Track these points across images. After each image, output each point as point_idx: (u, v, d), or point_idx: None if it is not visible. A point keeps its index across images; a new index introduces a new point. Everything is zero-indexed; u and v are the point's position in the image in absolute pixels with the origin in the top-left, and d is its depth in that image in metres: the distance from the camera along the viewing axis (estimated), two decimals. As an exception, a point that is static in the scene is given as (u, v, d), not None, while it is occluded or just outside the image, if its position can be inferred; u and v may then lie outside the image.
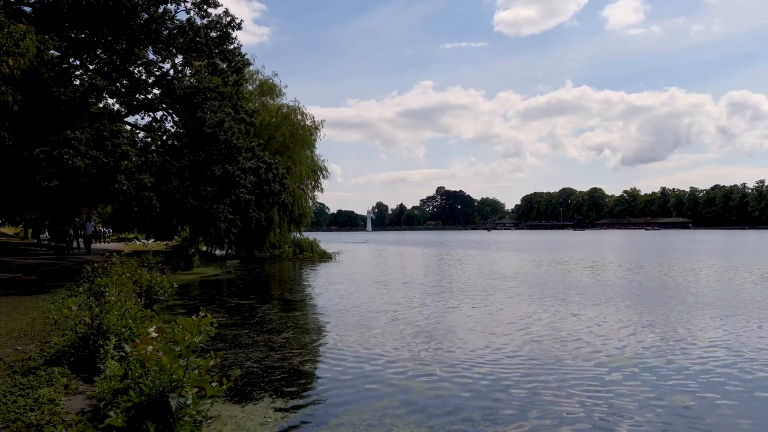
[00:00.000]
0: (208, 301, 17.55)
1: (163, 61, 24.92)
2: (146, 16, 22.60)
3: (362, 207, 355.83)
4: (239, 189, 25.75)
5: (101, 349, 6.58)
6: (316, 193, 43.89)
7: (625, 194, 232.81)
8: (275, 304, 17.36)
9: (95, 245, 36.26)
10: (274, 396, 7.71)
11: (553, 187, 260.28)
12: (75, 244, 30.90)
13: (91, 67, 23.59)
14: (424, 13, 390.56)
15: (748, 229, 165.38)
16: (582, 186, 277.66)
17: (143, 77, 24.71)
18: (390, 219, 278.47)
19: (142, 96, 24.95)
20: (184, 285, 21.91)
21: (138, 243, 41.76)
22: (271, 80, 40.78)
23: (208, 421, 6.26)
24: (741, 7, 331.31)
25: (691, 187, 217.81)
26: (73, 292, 13.23)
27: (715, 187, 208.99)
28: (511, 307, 16.04)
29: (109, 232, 50.58)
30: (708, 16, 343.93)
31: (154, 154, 25.06)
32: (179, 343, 4.71)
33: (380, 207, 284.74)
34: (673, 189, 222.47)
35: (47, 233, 32.77)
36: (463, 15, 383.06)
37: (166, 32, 23.74)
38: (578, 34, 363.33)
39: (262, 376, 8.73)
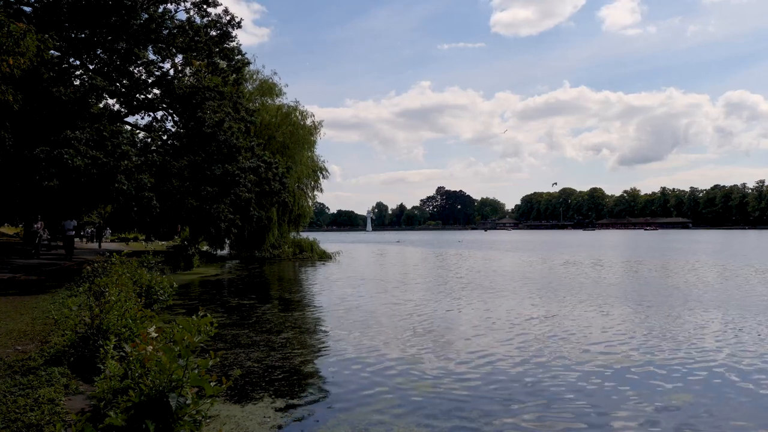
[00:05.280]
0: (208, 301, 17.55)
1: (163, 61, 24.96)
2: (146, 15, 22.62)
3: (362, 207, 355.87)
4: (239, 188, 25.76)
5: (101, 349, 6.59)
6: (315, 193, 43.96)
7: (625, 194, 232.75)
8: (275, 304, 17.36)
9: (80, 246, 35.87)
10: (274, 396, 7.71)
11: (551, 187, 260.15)
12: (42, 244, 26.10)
13: (91, 67, 23.61)
14: (421, 14, 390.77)
15: (748, 229, 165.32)
16: (580, 186, 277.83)
17: (143, 77, 24.73)
18: (390, 219, 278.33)
19: (142, 96, 24.97)
20: (184, 285, 21.91)
21: (144, 243, 41.76)
22: (270, 80, 40.77)
23: (208, 420, 6.26)
24: (736, 8, 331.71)
25: (691, 187, 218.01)
26: (73, 292, 13.24)
27: (715, 187, 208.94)
28: (512, 307, 16.03)
29: (108, 231, 50.32)
30: (704, 17, 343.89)
31: (154, 154, 25.06)
32: (179, 343, 4.72)
33: (380, 207, 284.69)
34: (673, 189, 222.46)
35: (47, 233, 32.58)
36: (461, 16, 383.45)
37: (166, 32, 23.76)
38: (575, 35, 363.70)
39: (262, 375, 8.73)
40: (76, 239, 32.21)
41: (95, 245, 40.41)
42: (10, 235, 49.97)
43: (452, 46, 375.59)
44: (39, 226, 25.65)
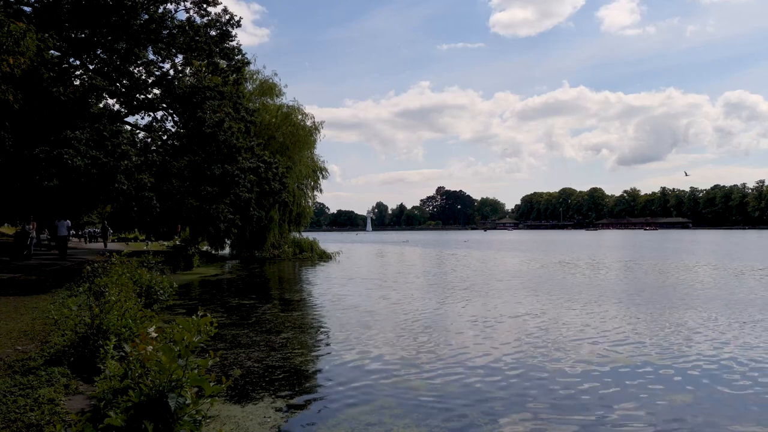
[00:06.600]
0: (208, 301, 17.55)
1: (163, 61, 24.97)
2: (146, 16, 22.63)
3: (362, 207, 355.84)
4: (239, 188, 25.77)
5: (101, 349, 6.59)
6: (315, 193, 44.03)
7: (625, 194, 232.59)
8: (275, 304, 17.36)
9: (81, 246, 35.82)
10: (273, 396, 7.71)
11: (551, 187, 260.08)
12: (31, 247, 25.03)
13: (91, 67, 23.61)
14: (420, 15, 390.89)
15: (748, 229, 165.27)
16: (580, 186, 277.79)
17: (143, 77, 24.74)
18: (390, 219, 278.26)
19: (142, 96, 24.97)
20: (184, 285, 21.90)
21: (144, 243, 41.77)
22: (271, 80, 40.80)
23: (208, 420, 6.26)
24: (735, 8, 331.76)
25: (691, 187, 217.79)
26: (73, 292, 13.24)
27: (715, 187, 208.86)
28: (511, 306, 16.03)
29: (109, 232, 50.31)
30: (703, 17, 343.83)
31: (154, 154, 25.06)
32: (179, 343, 4.72)
33: (380, 207, 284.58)
34: (673, 189, 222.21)
35: (47, 233, 32.54)
36: (459, 16, 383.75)
37: (166, 32, 23.77)
38: (574, 36, 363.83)
39: (262, 375, 8.73)
40: (75, 239, 32.07)
41: (100, 245, 40.56)
42: (10, 235, 49.95)
43: (451, 47, 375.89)
44: (31, 227, 25.02)
